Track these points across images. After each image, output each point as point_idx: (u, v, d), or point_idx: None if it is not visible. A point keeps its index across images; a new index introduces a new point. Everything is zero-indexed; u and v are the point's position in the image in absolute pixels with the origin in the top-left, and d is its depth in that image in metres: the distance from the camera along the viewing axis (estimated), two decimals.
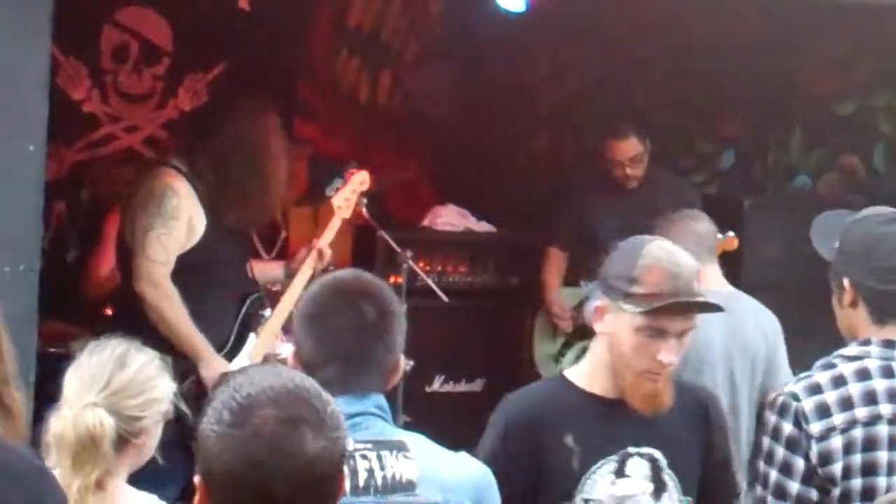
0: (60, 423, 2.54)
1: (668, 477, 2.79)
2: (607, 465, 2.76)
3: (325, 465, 1.76)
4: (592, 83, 6.94)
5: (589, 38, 6.70)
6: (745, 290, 4.60)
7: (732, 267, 5.17)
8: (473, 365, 6.33)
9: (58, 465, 2.50)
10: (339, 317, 2.37)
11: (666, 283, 2.70)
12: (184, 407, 2.85)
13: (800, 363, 4.35)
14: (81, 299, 5.45)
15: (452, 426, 5.29)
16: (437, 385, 6.25)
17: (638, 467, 2.77)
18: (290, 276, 4.62)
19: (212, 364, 4.24)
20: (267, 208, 4.62)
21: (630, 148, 5.78)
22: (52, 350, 4.53)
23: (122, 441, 2.61)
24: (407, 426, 4.44)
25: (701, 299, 2.75)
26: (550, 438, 2.76)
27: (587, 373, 2.84)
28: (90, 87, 6.22)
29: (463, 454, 2.44)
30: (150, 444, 2.72)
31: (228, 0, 6.25)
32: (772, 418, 2.70)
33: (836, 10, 4.80)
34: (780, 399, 2.69)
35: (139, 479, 2.94)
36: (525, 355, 6.36)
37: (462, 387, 6.31)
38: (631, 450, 2.78)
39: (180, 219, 4.31)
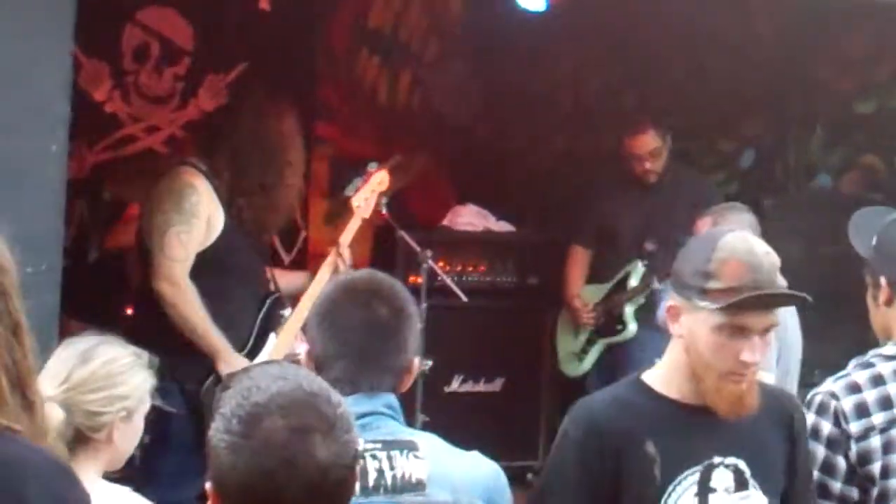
0: None
1: (754, 488, 2.58)
2: (691, 477, 2.55)
3: (337, 471, 1.76)
4: (613, 82, 6.94)
5: (609, 37, 6.69)
6: None
7: None
8: (493, 365, 6.33)
9: None
10: (351, 315, 2.37)
11: (745, 276, 2.47)
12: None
13: (820, 363, 4.36)
14: (103, 298, 5.47)
15: (472, 426, 5.33)
16: (456, 385, 6.25)
17: (723, 479, 2.56)
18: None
19: (231, 362, 4.25)
20: (283, 206, 4.63)
21: (648, 142, 5.80)
22: None
23: (81, 436, 2.62)
24: (426, 426, 4.45)
25: (785, 291, 2.55)
26: (629, 446, 2.54)
27: (664, 376, 2.62)
28: (112, 88, 6.24)
29: (475, 454, 2.44)
30: (120, 441, 2.70)
31: (249, 0, 6.28)
32: (810, 417, 2.67)
33: (857, 8, 4.78)
34: (819, 398, 2.67)
35: (159, 477, 2.95)
36: (545, 355, 6.36)
37: (481, 387, 6.31)
38: (716, 460, 2.56)
39: (199, 216, 4.32)
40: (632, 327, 5.87)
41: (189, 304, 4.27)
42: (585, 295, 6.07)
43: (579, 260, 6.10)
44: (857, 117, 6.18)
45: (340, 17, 6.95)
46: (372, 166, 4.74)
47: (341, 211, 5.10)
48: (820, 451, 2.66)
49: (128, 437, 2.72)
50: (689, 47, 6.51)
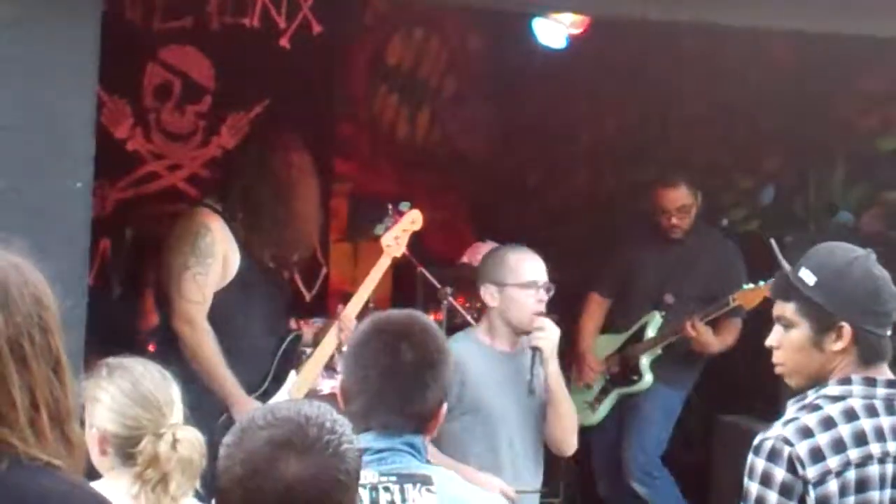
0: (186, 447, 2.65)
1: None
2: None
3: (306, 491, 1.78)
4: (632, 120, 6.95)
5: (628, 74, 6.71)
6: None
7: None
8: None
9: (176, 484, 2.63)
10: (376, 355, 2.40)
11: None
12: None
13: None
14: (125, 336, 5.48)
15: None
16: None
17: None
18: (315, 345, 4.59)
19: (243, 406, 4.24)
20: (298, 243, 4.63)
21: (679, 198, 5.77)
22: None
23: None
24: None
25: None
26: None
27: None
28: (133, 125, 6.28)
29: (496, 494, 2.45)
30: None
31: (270, 38, 6.32)
32: (761, 464, 2.61)
33: (878, 45, 4.78)
34: (770, 443, 2.61)
35: None
36: None
37: None
38: None
39: (215, 256, 4.34)
40: (647, 378, 5.84)
41: (205, 348, 4.27)
42: (601, 344, 6.03)
43: (596, 309, 6.04)
44: (878, 154, 6.16)
45: (359, 54, 6.99)
46: (404, 206, 4.71)
47: (361, 249, 5.11)
48: (772, 497, 2.59)
49: None
50: (709, 84, 6.52)
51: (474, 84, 7.20)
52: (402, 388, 2.37)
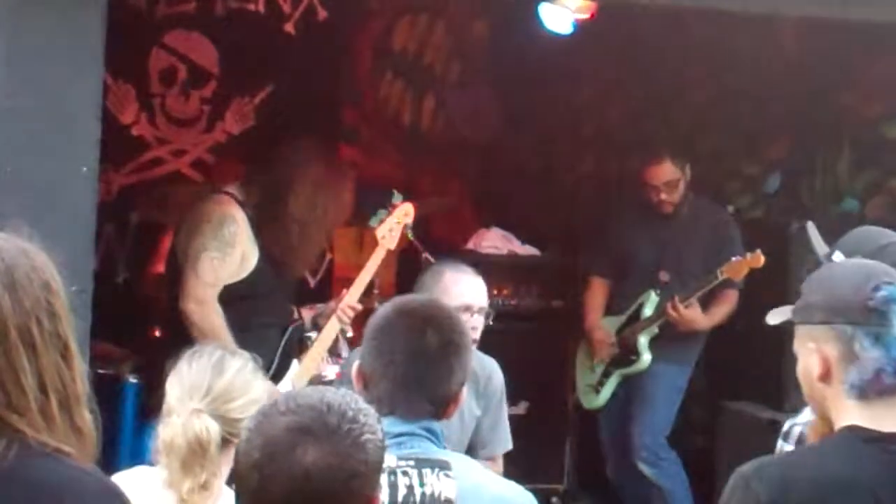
0: (169, 430, 2.67)
1: None
2: None
3: (323, 480, 1.77)
4: (637, 106, 6.93)
5: (633, 61, 6.70)
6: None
7: (779, 292, 5.14)
8: (517, 388, 6.24)
9: (167, 468, 2.65)
10: (401, 339, 2.38)
11: None
12: None
13: None
14: (131, 321, 5.49)
15: None
16: None
17: None
18: (316, 328, 4.61)
19: None
20: (315, 239, 4.64)
21: (665, 172, 5.75)
22: (101, 372, 4.56)
23: (226, 442, 2.71)
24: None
25: None
26: None
27: None
28: (138, 110, 6.27)
29: (511, 482, 2.45)
30: None
31: (274, 24, 6.32)
32: (789, 448, 2.63)
33: (885, 32, 4.77)
34: (798, 430, 2.63)
35: None
36: (569, 378, 6.34)
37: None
38: None
39: (236, 247, 4.36)
40: (646, 357, 5.83)
41: (214, 327, 4.28)
42: (602, 327, 6.04)
43: (598, 291, 6.05)
44: (884, 141, 6.15)
45: (364, 39, 6.97)
46: (397, 198, 4.71)
47: (365, 235, 5.12)
48: None
49: None
50: (714, 71, 6.51)
51: (480, 70, 7.19)
52: (428, 373, 2.35)
